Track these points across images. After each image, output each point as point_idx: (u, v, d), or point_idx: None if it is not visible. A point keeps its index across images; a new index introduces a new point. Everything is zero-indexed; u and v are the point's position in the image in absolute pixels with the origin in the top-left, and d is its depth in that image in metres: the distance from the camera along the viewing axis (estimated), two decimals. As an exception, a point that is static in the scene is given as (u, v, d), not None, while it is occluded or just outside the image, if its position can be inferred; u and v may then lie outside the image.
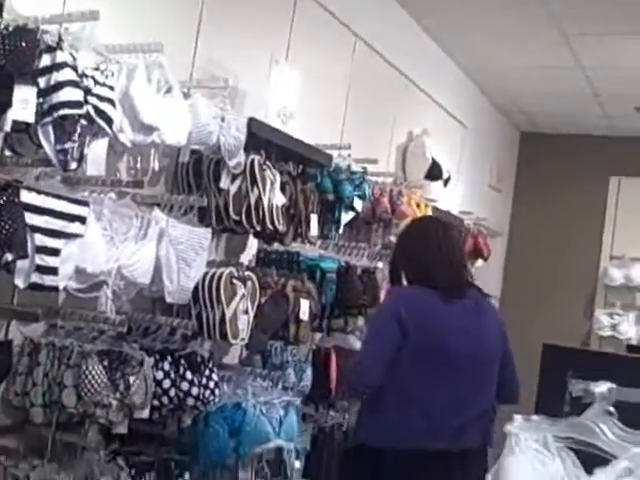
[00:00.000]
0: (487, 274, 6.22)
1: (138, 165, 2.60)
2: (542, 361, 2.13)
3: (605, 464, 1.64)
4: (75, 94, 2.06)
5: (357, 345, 3.83)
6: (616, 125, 6.54)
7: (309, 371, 3.36)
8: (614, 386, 1.84)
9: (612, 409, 1.78)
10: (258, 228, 2.91)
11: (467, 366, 2.47)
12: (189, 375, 2.56)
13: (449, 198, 5.15)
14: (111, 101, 2.19)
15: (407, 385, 2.45)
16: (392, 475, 2.44)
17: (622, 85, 5.47)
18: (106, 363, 2.30)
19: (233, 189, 2.86)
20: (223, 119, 2.71)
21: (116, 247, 2.31)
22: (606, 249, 6.79)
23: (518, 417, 1.82)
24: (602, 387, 1.81)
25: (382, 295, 3.89)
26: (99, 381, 2.24)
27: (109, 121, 2.18)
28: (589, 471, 1.69)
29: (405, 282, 2.68)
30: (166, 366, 2.50)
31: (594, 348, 6.19)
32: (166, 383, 2.48)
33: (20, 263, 2.03)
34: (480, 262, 5.40)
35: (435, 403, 2.44)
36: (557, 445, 1.76)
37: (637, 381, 1.90)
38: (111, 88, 2.20)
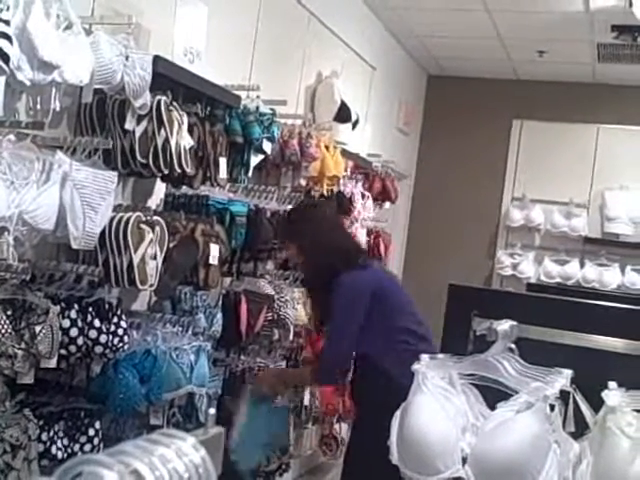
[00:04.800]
0: (394, 216, 6.34)
1: (38, 106, 2.47)
2: (447, 301, 2.18)
3: (507, 399, 1.71)
4: (-33, 29, 1.94)
5: (267, 289, 3.84)
6: (519, 69, 6.68)
7: (219, 316, 3.35)
8: (515, 324, 1.89)
9: (513, 346, 1.84)
10: (166, 171, 2.83)
11: None
12: (97, 323, 2.52)
13: (358, 140, 5.17)
14: (7, 36, 2.06)
15: None
16: None
17: (526, 29, 5.58)
18: (10, 312, 2.23)
19: (139, 131, 2.77)
20: (127, 57, 2.60)
21: (17, 192, 2.21)
22: (508, 191, 7.01)
23: (425, 356, 1.86)
24: (504, 325, 1.86)
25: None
26: (3, 331, 2.17)
27: (5, 58, 2.06)
28: (492, 406, 1.75)
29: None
30: (73, 314, 2.45)
31: (496, 287, 6.42)
32: (73, 331, 2.42)
33: None
34: (388, 204, 5.48)
35: None
36: (462, 382, 1.82)
37: (537, 318, 1.96)
38: (6, 23, 2.08)
